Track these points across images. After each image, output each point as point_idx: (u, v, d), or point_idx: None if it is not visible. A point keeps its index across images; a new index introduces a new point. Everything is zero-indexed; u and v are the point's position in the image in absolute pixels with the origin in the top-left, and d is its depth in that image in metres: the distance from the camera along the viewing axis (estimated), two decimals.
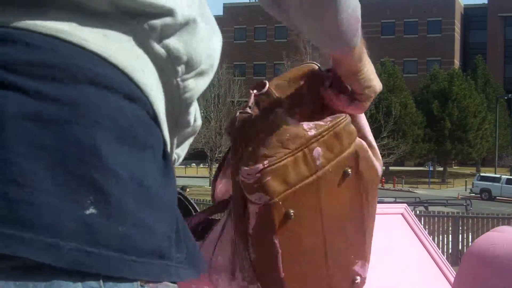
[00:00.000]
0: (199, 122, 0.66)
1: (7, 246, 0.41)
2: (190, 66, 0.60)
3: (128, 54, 0.54)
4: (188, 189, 19.17)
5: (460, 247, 12.86)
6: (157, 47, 0.57)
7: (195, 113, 0.65)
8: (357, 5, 0.81)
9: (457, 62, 62.54)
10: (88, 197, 0.45)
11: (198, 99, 0.64)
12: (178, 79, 0.59)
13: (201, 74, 0.62)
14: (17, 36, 0.49)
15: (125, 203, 0.47)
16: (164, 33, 0.57)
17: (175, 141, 0.64)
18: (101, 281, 0.44)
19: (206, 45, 0.62)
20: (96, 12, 0.54)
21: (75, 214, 0.44)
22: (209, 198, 20.85)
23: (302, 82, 0.96)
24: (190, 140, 0.68)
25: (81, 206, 0.44)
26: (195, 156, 39.57)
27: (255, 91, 0.93)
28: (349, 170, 0.91)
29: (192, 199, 1.57)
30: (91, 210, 0.44)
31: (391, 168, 46.09)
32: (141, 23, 0.56)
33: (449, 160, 48.89)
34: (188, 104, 0.61)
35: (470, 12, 68.07)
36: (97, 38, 0.53)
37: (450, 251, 12.73)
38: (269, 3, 0.82)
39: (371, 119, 31.21)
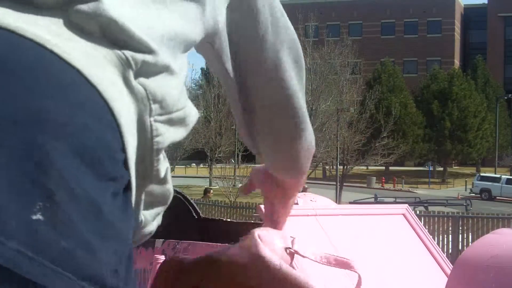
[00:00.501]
0: (170, 188, 0.65)
1: None
2: (163, 108, 0.59)
3: (109, 81, 0.54)
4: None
5: (460, 247, 12.87)
6: (135, 82, 0.57)
7: (165, 172, 0.63)
8: (313, 138, 0.94)
9: (457, 62, 62.59)
10: (38, 202, 0.44)
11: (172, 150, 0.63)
12: (152, 118, 0.58)
13: (171, 122, 0.61)
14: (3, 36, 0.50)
15: (73, 220, 0.46)
16: (143, 70, 0.57)
17: (143, 197, 0.62)
18: None
19: (178, 95, 0.62)
20: (83, 31, 0.55)
21: (22, 216, 0.43)
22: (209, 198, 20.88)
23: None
24: (159, 210, 0.65)
25: (29, 209, 0.43)
26: (195, 156, 39.59)
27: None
28: None
29: (192, 199, 1.56)
30: (38, 216, 0.44)
31: (391, 168, 46.14)
32: (125, 54, 0.56)
33: (449, 160, 48.92)
34: (158, 150, 0.60)
35: (470, 12, 68.11)
36: (81, 56, 0.53)
37: (450, 251, 12.74)
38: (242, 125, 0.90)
39: (371, 119, 31.24)
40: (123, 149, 0.54)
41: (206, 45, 0.77)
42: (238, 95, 0.87)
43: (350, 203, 22.75)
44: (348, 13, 62.01)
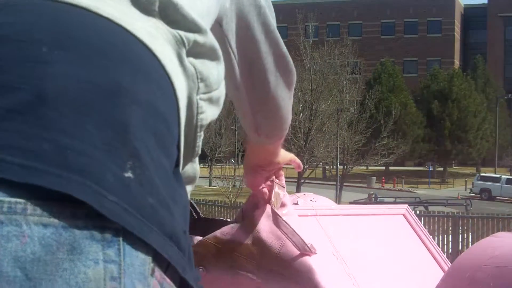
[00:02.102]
0: (198, 166, 0.67)
1: (55, 184, 0.44)
2: (206, 86, 0.62)
3: (168, 58, 0.57)
4: None
5: (460, 247, 12.87)
6: (187, 61, 0.60)
7: (199, 151, 0.65)
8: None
9: (457, 62, 62.58)
10: (128, 161, 0.47)
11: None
12: (198, 96, 0.61)
13: (211, 100, 0.64)
14: (77, 12, 0.54)
15: (155, 179, 0.49)
16: (193, 50, 0.61)
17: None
18: (121, 245, 0.45)
19: (217, 75, 0.65)
20: (145, 11, 0.59)
21: (116, 172, 0.46)
22: (209, 198, 20.86)
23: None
24: (189, 188, 0.67)
25: (121, 167, 0.47)
26: None
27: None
28: None
29: (192, 199, 1.56)
30: (129, 174, 0.47)
31: (391, 168, 46.13)
32: (179, 33, 0.60)
33: (449, 160, 48.91)
34: (201, 127, 0.63)
35: (470, 12, 68.10)
36: (146, 34, 0.56)
37: (450, 251, 12.74)
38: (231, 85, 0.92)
39: (371, 119, 31.23)
40: (179, 124, 0.57)
41: (215, 24, 0.79)
42: (240, 76, 0.91)
43: (350, 203, 22.75)
44: (348, 13, 62.00)
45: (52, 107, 0.46)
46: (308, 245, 1.06)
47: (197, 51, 0.62)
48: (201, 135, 0.64)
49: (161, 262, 0.48)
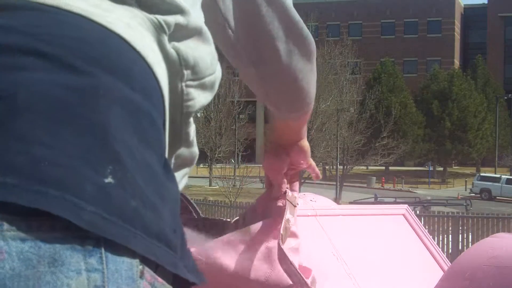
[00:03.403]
0: (196, 150, 0.66)
1: (31, 200, 0.42)
2: (195, 73, 0.60)
3: (148, 47, 0.55)
4: None
5: (460, 247, 12.87)
6: (169, 46, 0.58)
7: (193, 135, 0.64)
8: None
9: (457, 62, 62.57)
10: (108, 166, 0.46)
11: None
12: (183, 83, 0.59)
13: (203, 86, 0.62)
14: (47, 11, 0.52)
15: (137, 181, 0.48)
16: (176, 34, 0.59)
17: (173, 161, 0.63)
18: (103, 253, 0.44)
19: (210, 60, 0.63)
20: (118, 0, 0.56)
21: (95, 180, 0.45)
22: (209, 198, 20.88)
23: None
24: (186, 170, 0.66)
25: (101, 173, 0.45)
26: None
27: None
28: None
29: (192, 199, 1.56)
30: (110, 179, 0.46)
31: (391, 168, 46.11)
32: (158, 18, 0.57)
33: (449, 160, 48.88)
34: (188, 114, 0.61)
35: (470, 12, 68.08)
36: (122, 25, 0.54)
37: (450, 251, 12.74)
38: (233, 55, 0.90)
39: (371, 119, 31.23)
40: (164, 113, 0.56)
41: None
42: (244, 47, 0.88)
43: (350, 203, 22.73)
44: (348, 13, 61.98)
45: (26, 116, 0.44)
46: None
47: (181, 34, 0.59)
48: (190, 122, 0.62)
49: (150, 263, 0.48)
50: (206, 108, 32.00)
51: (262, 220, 1.00)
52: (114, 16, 0.54)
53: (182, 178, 0.67)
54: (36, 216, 0.43)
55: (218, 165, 30.65)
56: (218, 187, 27.16)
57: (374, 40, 61.45)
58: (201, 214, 1.60)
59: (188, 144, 0.64)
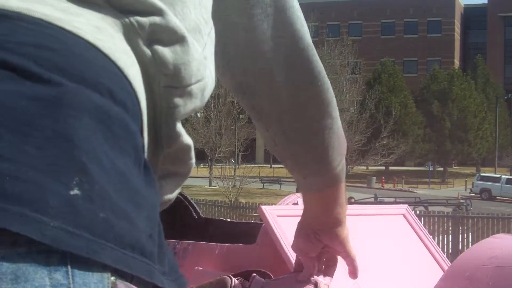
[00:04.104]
0: (191, 161, 0.63)
1: None
2: (178, 80, 0.58)
3: (120, 49, 0.53)
4: None
5: (460, 247, 12.88)
6: (143, 47, 0.55)
7: (182, 143, 0.61)
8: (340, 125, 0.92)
9: (457, 62, 62.61)
10: (74, 178, 0.45)
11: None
12: (162, 87, 0.57)
13: (190, 94, 0.59)
14: (9, 17, 0.49)
15: (107, 191, 0.46)
16: (155, 36, 0.56)
17: (159, 166, 0.60)
18: (69, 267, 0.43)
19: (197, 66, 0.60)
20: (87, 3, 0.54)
21: (61, 193, 0.44)
22: (209, 198, 20.89)
23: None
24: (179, 180, 0.64)
25: (66, 186, 0.44)
26: (195, 156, 39.38)
27: None
28: None
29: (192, 199, 1.57)
30: (76, 191, 0.44)
31: (391, 168, 46.15)
32: (130, 19, 0.55)
33: (449, 160, 48.93)
34: (173, 120, 0.59)
35: (470, 12, 68.15)
36: (90, 29, 0.52)
37: (450, 251, 12.75)
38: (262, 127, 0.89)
39: (371, 119, 31.25)
40: (140, 117, 0.54)
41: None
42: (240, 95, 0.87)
43: (350, 203, 22.67)
44: (348, 13, 62.01)
45: None
46: None
47: (160, 36, 0.56)
48: (176, 128, 0.59)
49: (125, 273, 0.47)
50: (206, 108, 32.04)
51: None
52: (82, 20, 0.52)
53: (173, 187, 0.64)
54: None
55: (218, 165, 30.66)
56: (218, 187, 27.18)
57: (374, 40, 61.48)
58: (201, 214, 1.60)
59: (176, 150, 0.61)
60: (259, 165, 40.92)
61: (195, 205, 1.63)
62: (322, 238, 0.95)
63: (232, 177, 28.21)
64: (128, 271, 0.46)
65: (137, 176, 0.51)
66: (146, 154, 0.56)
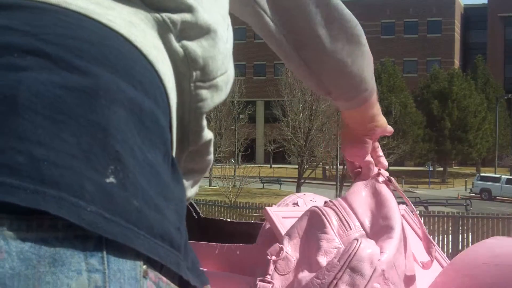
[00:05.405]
0: (210, 157, 0.64)
1: (30, 201, 0.42)
2: (206, 74, 0.59)
3: (151, 44, 0.54)
4: None
5: (460, 247, 12.88)
6: (176, 45, 0.57)
7: (205, 139, 0.63)
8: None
9: (457, 62, 62.62)
10: (110, 166, 0.46)
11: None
12: (192, 84, 0.58)
13: (216, 87, 0.61)
14: (48, 9, 0.51)
15: (140, 182, 0.47)
16: (184, 33, 0.57)
17: (182, 163, 0.62)
18: (104, 253, 0.44)
19: (222, 59, 0.61)
20: None
21: (96, 180, 0.45)
22: (209, 198, 20.89)
23: (310, 233, 0.98)
24: (198, 177, 0.65)
25: (102, 173, 0.45)
26: None
27: (273, 257, 0.95)
28: None
29: (192, 199, 1.56)
30: (111, 179, 0.45)
31: (391, 168, 46.09)
32: (162, 16, 0.56)
33: (449, 160, 48.94)
34: (200, 114, 0.60)
35: (470, 12, 68.15)
36: (123, 22, 0.53)
37: (450, 251, 12.75)
38: (291, 53, 0.91)
39: None
40: (169, 112, 0.55)
41: None
42: (285, 35, 0.88)
43: None
44: None
45: (25, 116, 0.44)
46: None
47: (190, 32, 0.58)
48: (202, 124, 0.61)
49: (155, 263, 0.48)
50: None
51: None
52: (115, 13, 0.53)
53: (193, 184, 0.65)
54: (38, 215, 0.43)
55: (218, 165, 30.68)
56: (218, 187, 27.18)
57: (374, 40, 61.45)
58: (201, 214, 1.60)
59: (199, 147, 0.62)
60: (259, 165, 40.89)
61: (195, 205, 1.63)
62: (373, 136, 1.05)
63: (232, 177, 28.22)
64: (159, 260, 0.47)
65: (166, 170, 0.51)
66: (174, 151, 0.57)
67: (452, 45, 62.49)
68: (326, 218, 0.98)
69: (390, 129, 1.09)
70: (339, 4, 0.90)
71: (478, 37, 66.51)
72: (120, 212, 0.45)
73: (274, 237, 1.25)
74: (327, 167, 42.28)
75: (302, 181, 28.58)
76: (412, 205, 1.20)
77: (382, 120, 1.06)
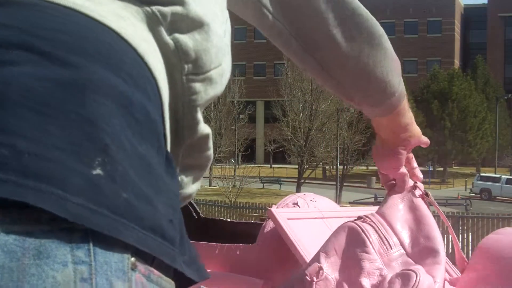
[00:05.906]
0: (210, 152, 0.64)
1: (12, 193, 0.42)
2: (198, 67, 0.59)
3: (140, 37, 0.54)
4: None
5: (460, 247, 12.89)
6: (166, 37, 0.56)
7: (202, 134, 0.62)
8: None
9: (457, 62, 62.62)
10: (97, 158, 0.45)
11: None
12: (184, 77, 0.58)
13: (210, 80, 0.60)
14: (36, 4, 0.51)
15: (129, 174, 0.47)
16: (175, 26, 0.57)
17: (179, 158, 0.61)
18: (91, 244, 0.44)
19: (215, 53, 0.61)
20: None
21: (83, 172, 0.44)
22: (209, 198, 20.89)
23: (349, 251, 0.93)
24: (198, 173, 0.64)
25: (89, 165, 0.45)
26: None
27: (314, 278, 0.90)
28: None
29: (192, 199, 1.56)
30: (98, 171, 0.45)
31: None
32: (152, 9, 0.56)
33: (449, 160, 48.94)
34: (193, 107, 0.60)
35: (470, 12, 68.15)
36: (113, 17, 0.53)
37: (450, 251, 12.76)
38: (316, 68, 0.88)
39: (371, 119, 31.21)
40: (161, 105, 0.55)
41: None
42: (296, 38, 0.85)
43: (350, 203, 22.75)
44: None
45: (11, 110, 0.44)
46: None
47: (181, 25, 0.58)
48: (197, 117, 0.60)
49: (146, 255, 0.47)
50: (206, 108, 31.91)
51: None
52: (104, 8, 0.54)
53: (193, 181, 0.64)
54: (22, 208, 0.42)
55: (218, 165, 30.67)
56: (218, 187, 27.19)
57: None
58: (201, 214, 1.60)
59: (196, 142, 0.62)
60: (259, 165, 40.90)
61: (195, 205, 1.63)
62: (407, 147, 1.00)
63: (232, 177, 28.23)
64: (149, 251, 0.47)
65: (158, 163, 0.51)
66: (168, 146, 0.56)
67: (452, 45, 62.49)
68: (366, 235, 0.93)
69: (425, 139, 1.04)
70: (353, 2, 0.85)
71: (478, 37, 66.51)
72: (108, 204, 0.44)
73: (274, 237, 1.25)
74: (327, 167, 42.28)
75: (302, 181, 28.59)
76: (448, 222, 1.13)
77: (416, 129, 1.01)
